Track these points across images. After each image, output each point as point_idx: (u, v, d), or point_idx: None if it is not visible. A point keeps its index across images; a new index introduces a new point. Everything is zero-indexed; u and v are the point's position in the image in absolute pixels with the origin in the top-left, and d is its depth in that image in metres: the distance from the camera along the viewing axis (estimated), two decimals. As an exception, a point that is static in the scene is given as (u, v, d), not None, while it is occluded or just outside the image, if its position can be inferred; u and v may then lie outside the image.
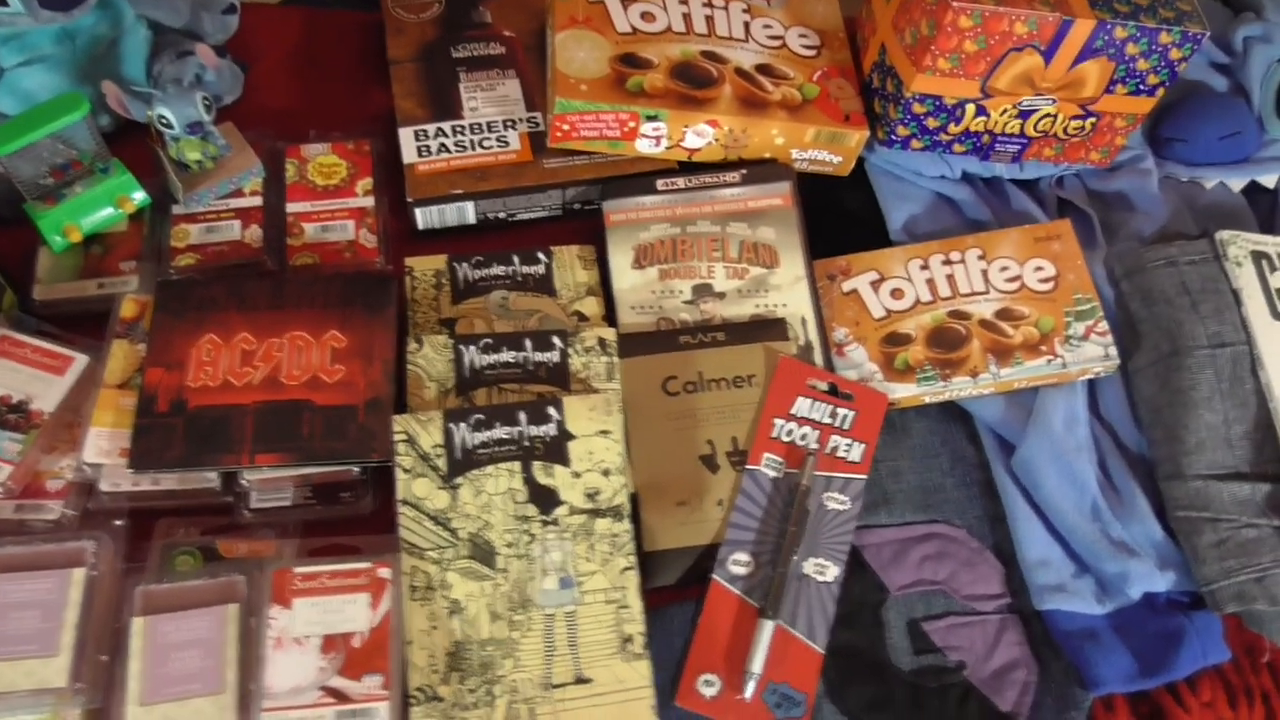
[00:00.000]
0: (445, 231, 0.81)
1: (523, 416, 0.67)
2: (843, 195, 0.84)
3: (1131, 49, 0.74)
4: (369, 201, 0.79)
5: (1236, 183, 0.87)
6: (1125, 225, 0.82)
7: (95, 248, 0.76)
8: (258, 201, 0.78)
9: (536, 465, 0.66)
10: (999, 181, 0.86)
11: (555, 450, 0.66)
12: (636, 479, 0.70)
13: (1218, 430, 0.71)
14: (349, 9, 0.92)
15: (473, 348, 0.71)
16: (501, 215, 0.81)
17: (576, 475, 0.66)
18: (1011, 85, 0.76)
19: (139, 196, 0.76)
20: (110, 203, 0.75)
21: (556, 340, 0.71)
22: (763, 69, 0.81)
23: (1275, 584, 0.66)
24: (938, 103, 0.77)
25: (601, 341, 0.72)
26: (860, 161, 0.84)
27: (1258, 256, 0.77)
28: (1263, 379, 0.72)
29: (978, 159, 0.84)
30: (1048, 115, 0.79)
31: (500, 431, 0.66)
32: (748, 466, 0.70)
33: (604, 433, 0.67)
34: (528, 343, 0.71)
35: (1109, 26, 0.72)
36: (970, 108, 0.78)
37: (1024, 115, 0.79)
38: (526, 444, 0.66)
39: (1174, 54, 0.75)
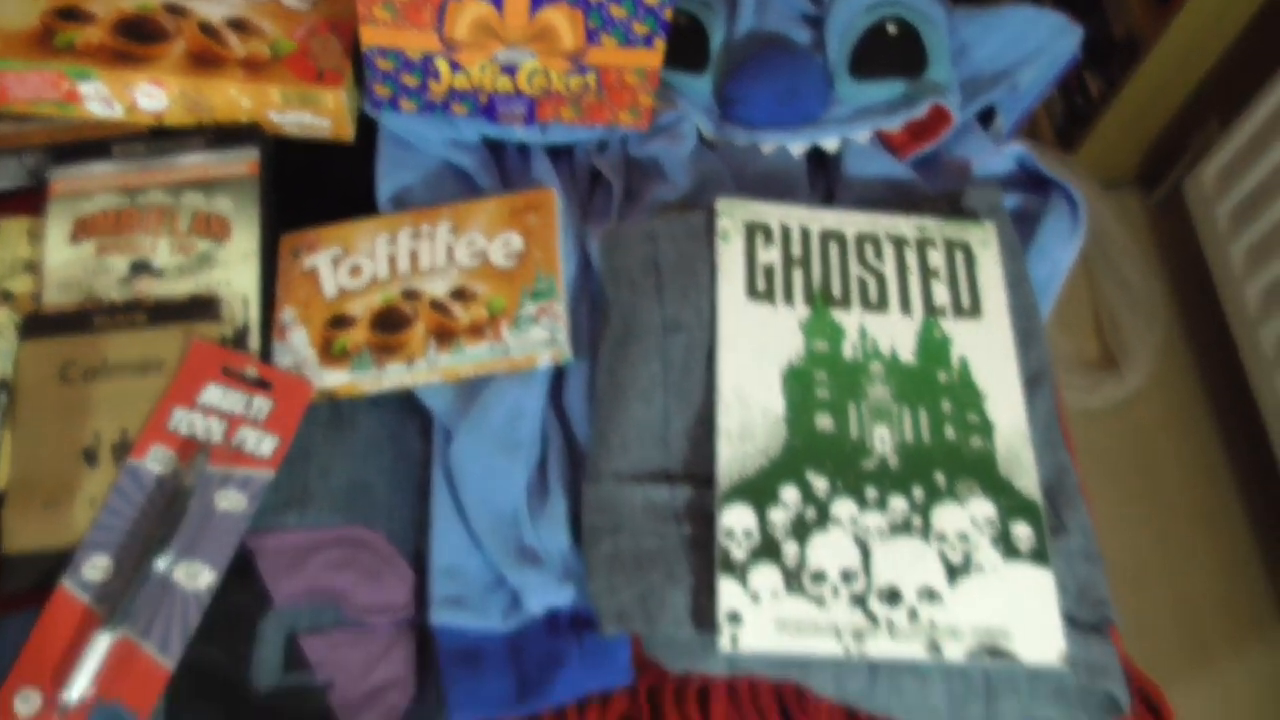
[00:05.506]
0: (-97, 202, 0.75)
1: None
2: (349, 162, 0.77)
3: (593, -6, 0.66)
4: None
5: (797, 147, 0.77)
6: (646, 196, 0.74)
7: None
8: None
9: None
10: (528, 148, 0.77)
11: None
12: (9, 476, 0.63)
13: (651, 428, 0.62)
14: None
15: None
16: (-39, 185, 0.75)
17: (-110, 473, 0.60)
18: (472, 35, 0.68)
19: None
20: None
21: (-67, 322, 0.65)
22: (235, 24, 0.73)
23: (656, 604, 0.58)
24: (401, 57, 0.69)
25: (-13, 323, 0.66)
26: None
27: (752, 229, 0.68)
28: (716, 368, 0.64)
29: (487, 120, 0.75)
30: (537, 71, 0.71)
31: None
32: (129, 461, 0.64)
33: (-65, 426, 0.61)
34: (-101, 325, 0.65)
35: (551, -32, 0.64)
36: (442, 63, 0.70)
37: (509, 71, 0.71)
38: None
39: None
